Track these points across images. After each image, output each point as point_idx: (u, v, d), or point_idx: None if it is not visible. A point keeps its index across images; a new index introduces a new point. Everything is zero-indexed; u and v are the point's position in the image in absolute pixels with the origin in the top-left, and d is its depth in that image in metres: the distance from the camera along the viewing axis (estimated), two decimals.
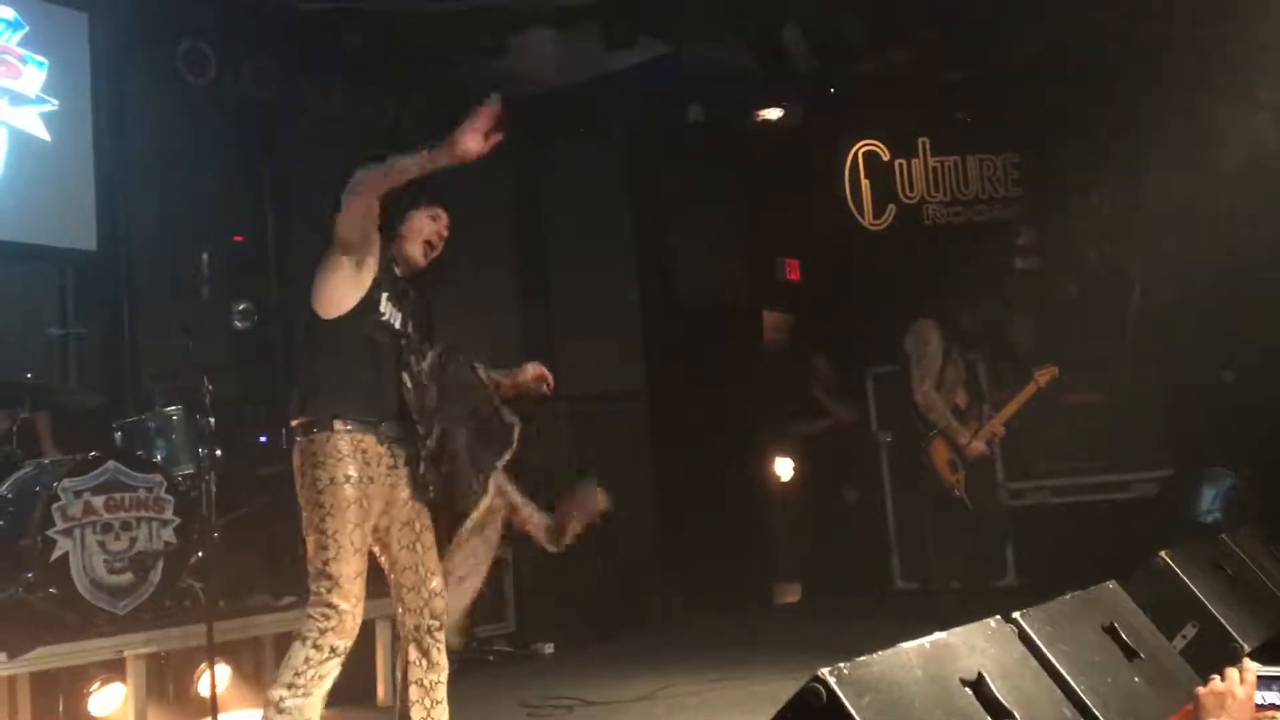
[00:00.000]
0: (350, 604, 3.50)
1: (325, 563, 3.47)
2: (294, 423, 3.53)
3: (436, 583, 3.74)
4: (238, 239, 6.41)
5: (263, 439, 6.50)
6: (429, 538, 3.76)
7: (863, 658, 2.06)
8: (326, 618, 3.47)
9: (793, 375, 9.08)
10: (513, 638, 6.86)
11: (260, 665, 5.33)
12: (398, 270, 3.76)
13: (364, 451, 3.51)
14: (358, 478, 3.48)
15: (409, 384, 3.65)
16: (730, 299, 8.66)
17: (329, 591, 3.46)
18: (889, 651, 2.16)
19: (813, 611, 8.23)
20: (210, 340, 5.34)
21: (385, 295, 3.65)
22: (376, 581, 5.37)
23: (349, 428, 3.49)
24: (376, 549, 3.68)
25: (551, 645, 6.84)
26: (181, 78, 6.13)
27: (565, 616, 7.07)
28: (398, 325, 3.67)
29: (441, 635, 3.74)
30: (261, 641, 5.39)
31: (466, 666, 6.41)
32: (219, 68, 6.24)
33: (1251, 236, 6.62)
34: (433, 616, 3.72)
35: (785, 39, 6.81)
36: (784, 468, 9.14)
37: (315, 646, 3.46)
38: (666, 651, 6.69)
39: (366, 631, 5.47)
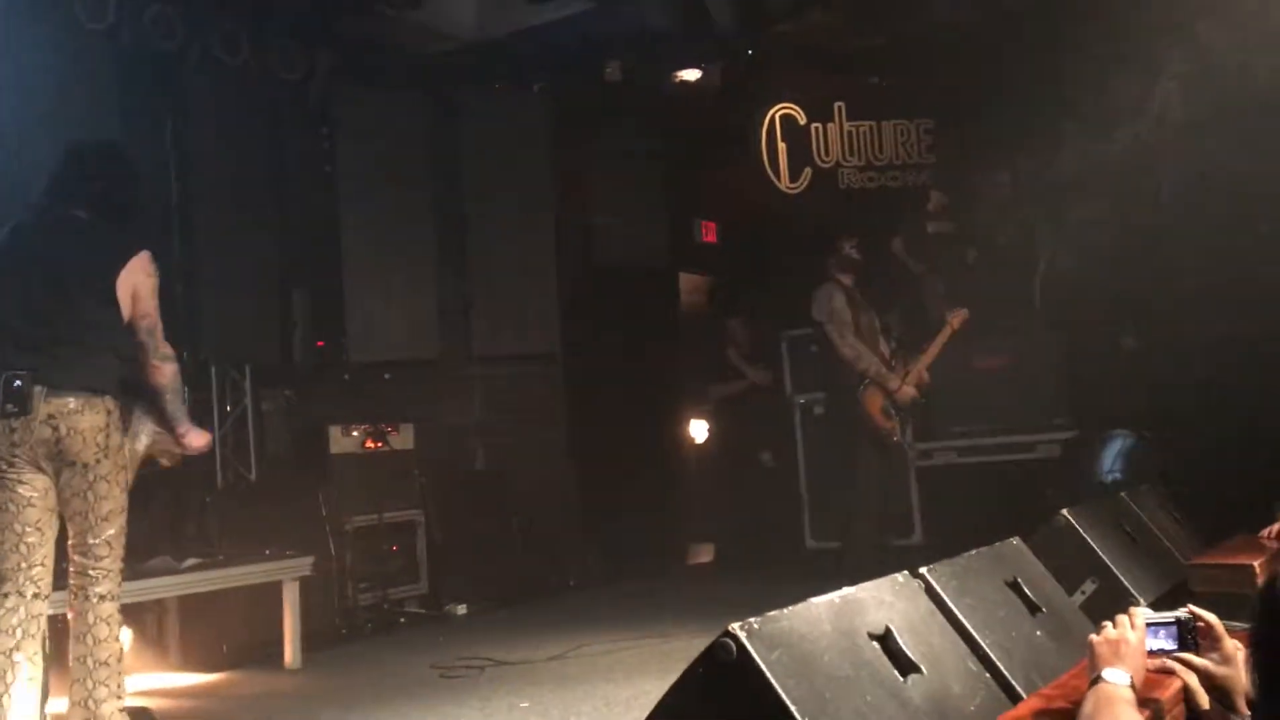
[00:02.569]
0: None
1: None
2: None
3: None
4: None
5: None
6: None
7: (773, 613, 2.07)
8: None
9: (709, 337, 9.13)
10: (425, 600, 6.83)
11: (163, 629, 5.23)
12: None
13: None
14: None
15: None
16: (648, 260, 8.64)
17: None
18: (799, 606, 2.18)
19: (726, 571, 8.34)
20: None
21: None
22: (281, 541, 5.26)
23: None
24: None
25: (464, 607, 6.83)
26: (78, 22, 5.87)
27: (479, 578, 7.06)
28: None
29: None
30: (165, 605, 5.28)
31: (379, 628, 6.37)
32: (118, 13, 5.99)
33: (1154, 206, 6.80)
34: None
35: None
36: (699, 429, 9.21)
37: None
38: (581, 611, 6.72)
39: (274, 592, 5.41)
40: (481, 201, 7.60)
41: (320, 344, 7.17)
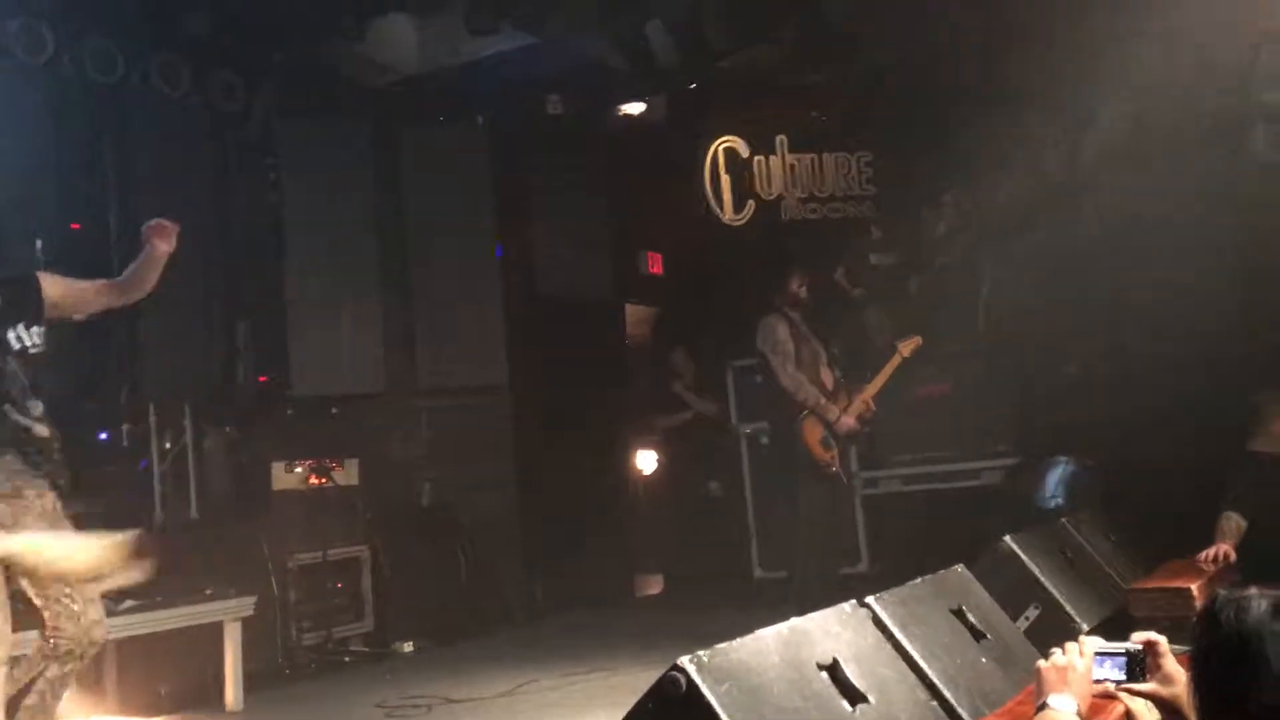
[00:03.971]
0: None
1: None
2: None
3: None
4: (75, 226, 6.10)
5: (103, 435, 6.22)
6: None
7: (721, 645, 2.07)
8: None
9: (655, 368, 9.15)
10: (370, 638, 6.73)
11: (101, 672, 5.10)
12: None
13: None
14: None
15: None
16: (593, 292, 8.65)
17: None
18: (747, 638, 2.18)
19: (675, 602, 8.32)
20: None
21: None
22: (222, 581, 5.17)
23: None
24: None
25: (411, 644, 6.74)
26: (15, 56, 5.79)
27: (426, 614, 6.98)
28: None
29: None
30: (102, 647, 5.14)
31: (323, 668, 6.26)
32: (57, 47, 5.92)
33: (1095, 235, 6.93)
34: None
35: (649, 34, 6.83)
36: (646, 460, 9.20)
37: None
38: (529, 647, 6.66)
39: (214, 633, 5.30)
40: (425, 234, 7.57)
41: (263, 379, 7.07)
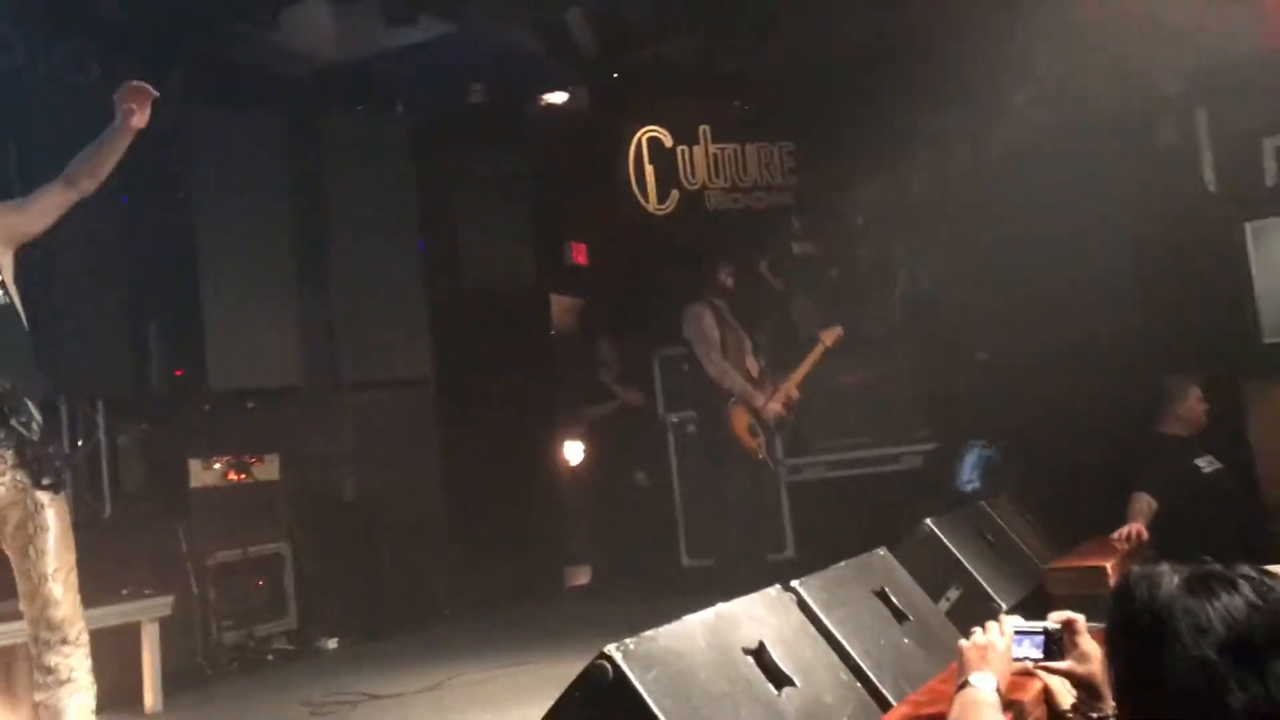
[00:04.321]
0: None
1: None
2: None
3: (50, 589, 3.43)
4: None
5: None
6: (45, 540, 3.45)
7: (648, 632, 2.08)
8: None
9: (581, 359, 9.13)
10: (293, 635, 6.63)
11: (11, 677, 4.95)
12: None
13: None
14: None
15: None
16: (517, 282, 8.61)
17: None
18: (674, 625, 2.20)
19: (603, 592, 8.33)
20: None
21: None
22: (139, 580, 5.06)
23: None
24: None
25: (335, 641, 6.65)
26: None
27: (350, 611, 6.89)
28: None
29: (68, 649, 3.43)
30: (14, 651, 5.01)
31: (246, 667, 6.16)
32: None
33: (1006, 226, 7.08)
34: (49, 628, 3.42)
35: (569, 22, 6.81)
36: (574, 451, 9.19)
37: None
38: (456, 641, 6.62)
39: (132, 634, 5.18)
40: (344, 224, 7.45)
41: (178, 373, 6.91)
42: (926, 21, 7.14)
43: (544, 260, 8.94)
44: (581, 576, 9.01)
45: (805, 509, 7.64)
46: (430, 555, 7.51)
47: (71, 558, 3.49)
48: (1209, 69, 6.54)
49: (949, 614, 3.69)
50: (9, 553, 3.46)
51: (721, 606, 2.42)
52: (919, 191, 8.08)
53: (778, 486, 7.50)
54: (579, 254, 9.63)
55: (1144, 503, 5.05)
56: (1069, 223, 6.56)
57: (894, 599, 3.16)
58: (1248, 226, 5.99)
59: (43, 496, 3.43)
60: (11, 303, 3.51)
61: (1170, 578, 1.66)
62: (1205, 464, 5.28)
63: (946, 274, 7.50)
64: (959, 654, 2.13)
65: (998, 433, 6.98)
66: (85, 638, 3.48)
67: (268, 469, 6.66)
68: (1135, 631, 1.65)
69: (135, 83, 3.57)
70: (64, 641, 3.40)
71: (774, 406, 6.49)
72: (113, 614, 5.09)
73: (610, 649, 1.99)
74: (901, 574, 3.45)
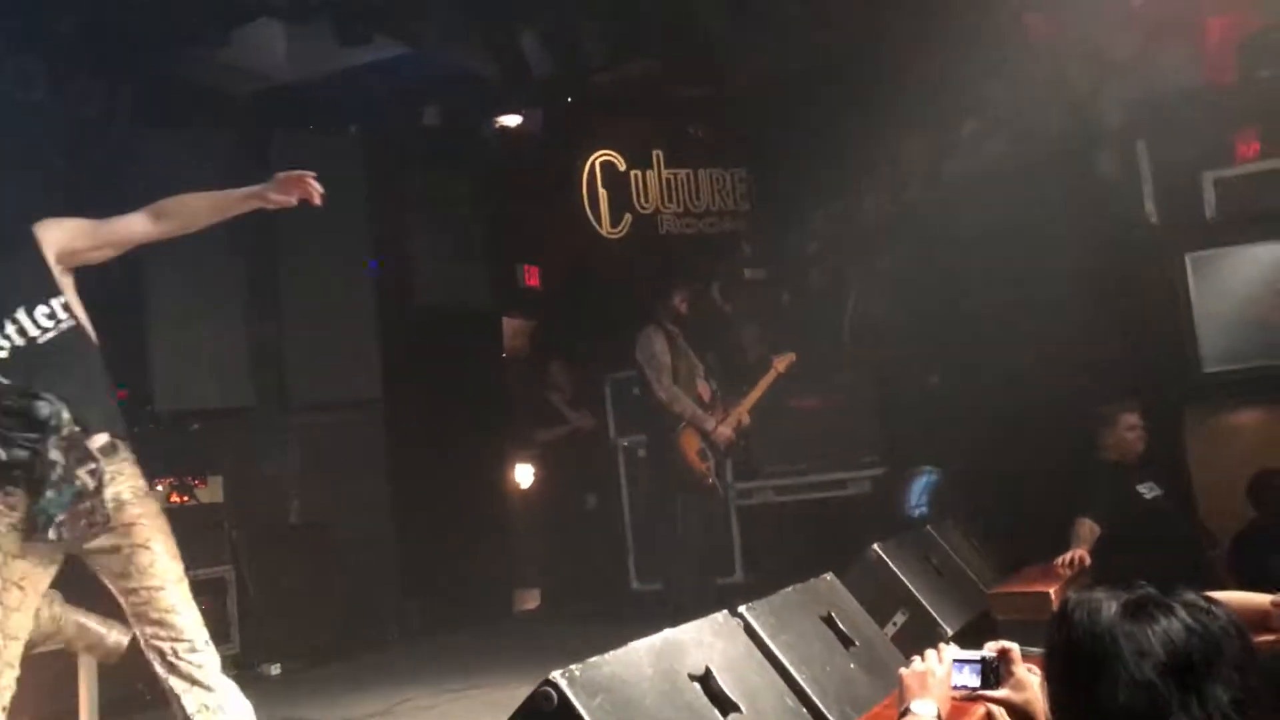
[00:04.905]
0: None
1: None
2: None
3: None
4: None
5: None
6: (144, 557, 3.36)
7: (594, 659, 2.08)
8: None
9: (533, 381, 9.11)
10: (237, 660, 6.51)
11: None
12: None
13: None
14: None
15: None
16: (470, 304, 8.58)
17: None
18: (620, 651, 2.19)
19: (552, 616, 8.29)
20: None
21: None
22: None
23: None
24: None
25: (278, 666, 6.55)
26: None
27: (296, 636, 6.79)
28: None
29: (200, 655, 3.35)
30: None
31: None
32: None
33: (954, 254, 7.19)
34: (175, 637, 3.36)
35: (523, 46, 6.83)
36: (524, 474, 9.16)
37: None
38: (403, 666, 6.55)
39: (69, 661, 5.06)
40: (295, 244, 7.38)
41: (122, 394, 6.79)
42: (878, 51, 7.26)
43: (496, 282, 8.92)
44: (530, 600, 8.96)
45: (754, 533, 7.66)
46: (378, 579, 7.43)
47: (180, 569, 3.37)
48: (1151, 102, 6.71)
49: (895, 639, 3.71)
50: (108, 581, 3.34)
51: (668, 632, 2.42)
52: (869, 218, 8.18)
53: (727, 510, 7.52)
54: (531, 276, 9.62)
55: (1086, 528, 5.12)
56: (1015, 251, 6.67)
57: (840, 624, 3.18)
58: (1188, 257, 6.12)
59: (134, 510, 3.27)
60: (78, 324, 3.28)
61: (1109, 603, 1.69)
62: (1147, 490, 5.37)
63: (896, 300, 7.59)
64: (899, 681, 2.15)
65: (945, 458, 7.05)
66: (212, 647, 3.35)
67: (212, 491, 6.56)
68: (1076, 656, 1.68)
69: (308, 176, 3.45)
70: (193, 649, 3.32)
71: (724, 431, 6.51)
72: (49, 639, 4.97)
73: (555, 675, 1.98)
74: (848, 599, 3.47)
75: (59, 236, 3.28)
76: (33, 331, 3.15)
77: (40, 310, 3.17)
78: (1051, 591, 4.49)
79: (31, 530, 3.11)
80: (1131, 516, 5.19)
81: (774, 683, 2.64)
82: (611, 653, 2.17)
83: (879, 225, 7.95)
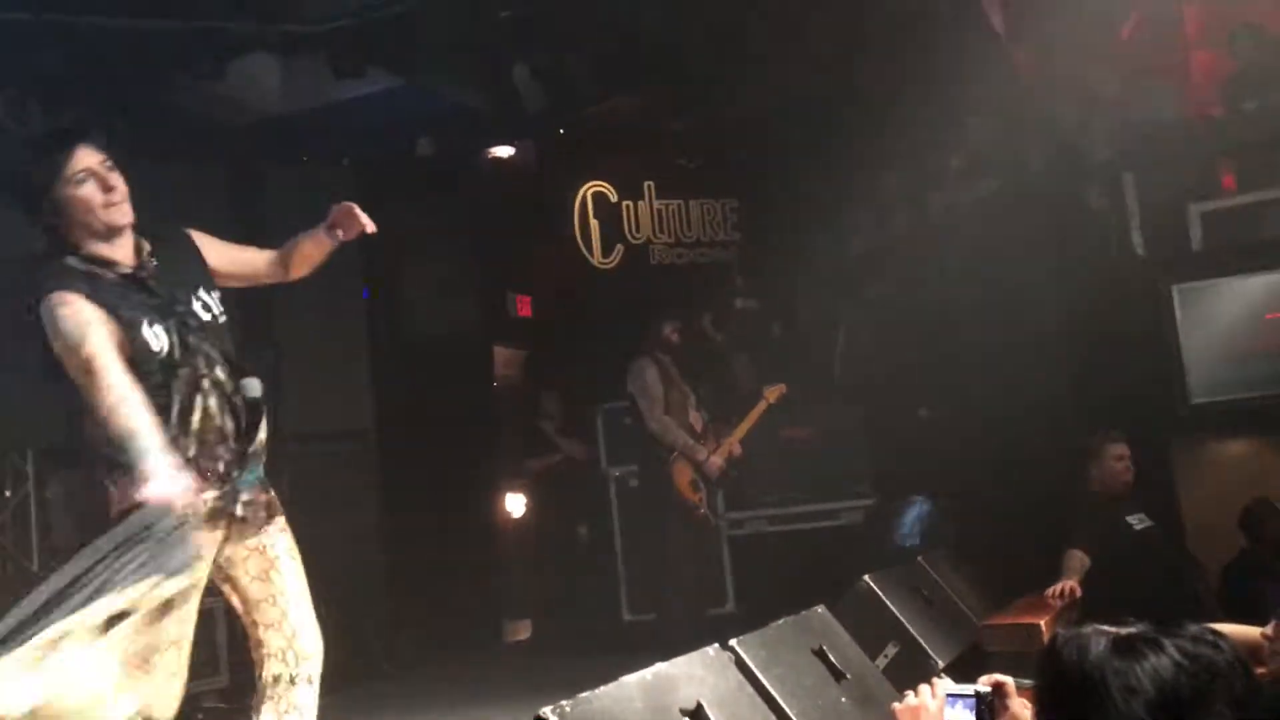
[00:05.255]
0: None
1: None
2: None
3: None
4: None
5: None
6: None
7: (584, 694, 2.08)
8: None
9: (524, 411, 9.10)
10: (226, 693, 6.47)
11: None
12: None
13: None
14: None
15: None
16: (461, 335, 8.59)
17: None
18: (610, 686, 2.19)
19: (544, 647, 8.24)
20: None
21: None
22: None
23: None
24: None
25: None
26: None
27: None
28: None
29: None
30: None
31: None
32: None
33: (941, 285, 7.23)
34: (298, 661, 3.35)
35: (515, 79, 6.88)
36: (515, 504, 9.13)
37: None
38: (395, 697, 6.51)
39: None
40: None
41: None
42: (868, 85, 7.33)
43: (488, 312, 8.94)
44: (522, 631, 8.91)
45: (746, 563, 7.65)
46: (369, 610, 7.39)
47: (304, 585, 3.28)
48: (1137, 135, 6.78)
49: (886, 671, 3.71)
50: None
51: (659, 667, 2.43)
52: (860, 249, 8.23)
53: (719, 541, 7.51)
54: (523, 306, 9.65)
55: (1077, 559, 5.12)
56: (1003, 283, 6.71)
57: (832, 657, 3.18)
58: (1175, 289, 6.16)
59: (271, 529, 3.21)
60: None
61: (1098, 639, 1.70)
62: (1136, 521, 5.38)
63: (884, 332, 7.62)
64: (893, 717, 2.15)
65: (937, 489, 7.06)
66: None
67: None
68: (1066, 693, 1.69)
69: (353, 207, 3.48)
70: (309, 681, 3.28)
71: (716, 461, 6.52)
72: None
73: (546, 711, 1.98)
74: (839, 632, 3.47)
75: (209, 251, 3.30)
76: (216, 310, 3.17)
77: (216, 294, 3.20)
78: (1042, 623, 4.49)
79: (219, 508, 3.01)
80: (1122, 547, 5.19)
81: (765, 717, 2.64)
82: (602, 688, 2.17)
83: (870, 256, 8.00)
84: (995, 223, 6.84)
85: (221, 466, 3.03)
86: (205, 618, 6.40)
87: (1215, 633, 1.68)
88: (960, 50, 6.68)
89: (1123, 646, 1.65)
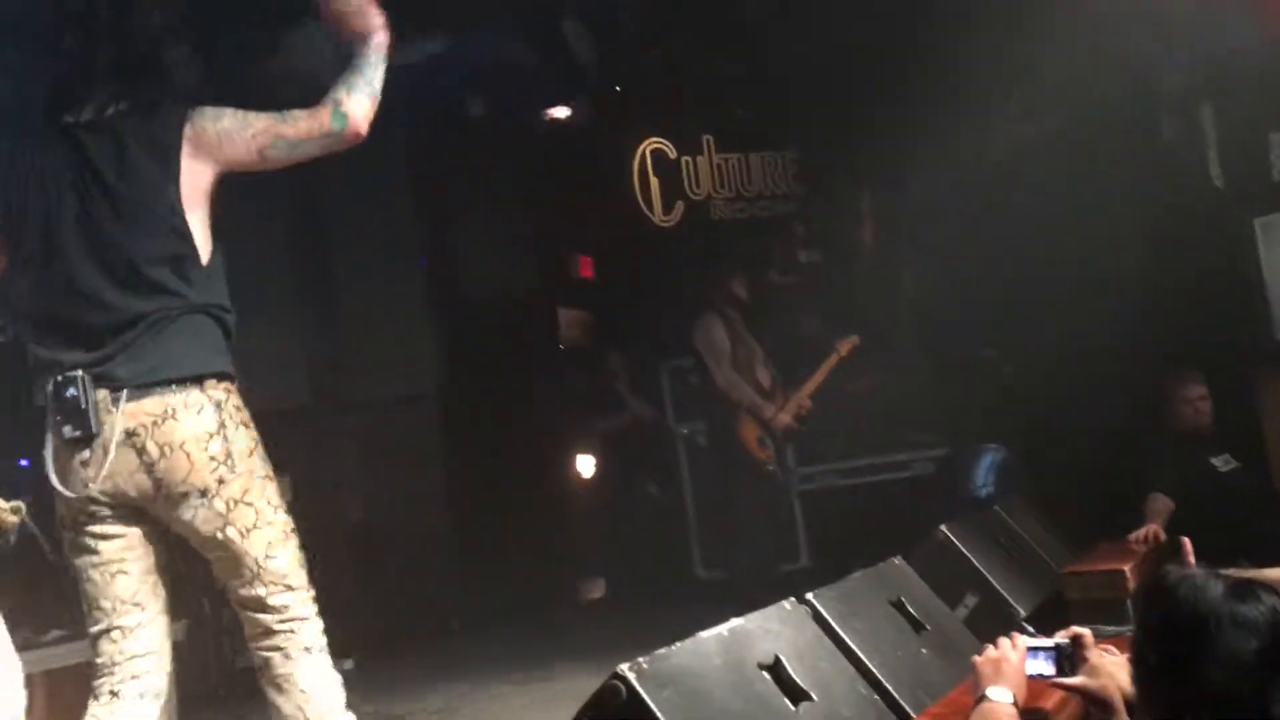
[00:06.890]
0: None
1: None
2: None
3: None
4: None
5: (23, 462, 6.01)
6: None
7: (661, 650, 2.05)
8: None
9: (589, 372, 9.10)
10: None
11: (31, 705, 4.92)
12: None
13: None
14: None
15: None
16: (523, 297, 8.58)
17: None
18: (687, 642, 2.16)
19: (617, 605, 8.27)
20: None
21: None
22: None
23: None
24: None
25: (351, 660, 6.60)
26: None
27: (362, 630, 6.84)
28: None
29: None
30: (30, 680, 4.97)
31: (257, 691, 6.10)
32: None
33: (1011, 228, 7.04)
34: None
35: (565, 32, 6.80)
36: (585, 464, 9.15)
37: None
38: (467, 658, 6.57)
39: None
40: (345, 241, 7.43)
41: None
42: (926, 23, 7.12)
43: (549, 273, 8.92)
44: (595, 589, 8.95)
45: (818, 518, 7.59)
46: (440, 572, 7.46)
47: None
48: (1213, 62, 6.49)
49: (966, 622, 3.64)
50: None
51: (735, 622, 2.38)
52: (923, 195, 8.03)
53: (790, 497, 7.45)
54: (585, 267, 9.61)
55: (1161, 503, 5.00)
56: (1074, 222, 6.52)
57: (910, 608, 3.12)
58: (1256, 222, 5.94)
59: None
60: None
61: (1214, 583, 1.66)
62: (1222, 463, 5.24)
63: (953, 277, 7.45)
64: (974, 668, 2.13)
65: (1010, 436, 6.92)
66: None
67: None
68: (1175, 635, 1.66)
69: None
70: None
71: (783, 418, 6.45)
72: None
73: (623, 669, 1.95)
74: (917, 583, 3.41)
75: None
76: None
77: None
78: (1126, 569, 4.38)
79: None
80: (1207, 490, 5.06)
81: (845, 670, 2.59)
82: (679, 644, 2.14)
83: (934, 201, 7.81)
84: (1065, 158, 6.63)
85: None
86: None
87: None
88: None
89: (1240, 590, 1.63)
